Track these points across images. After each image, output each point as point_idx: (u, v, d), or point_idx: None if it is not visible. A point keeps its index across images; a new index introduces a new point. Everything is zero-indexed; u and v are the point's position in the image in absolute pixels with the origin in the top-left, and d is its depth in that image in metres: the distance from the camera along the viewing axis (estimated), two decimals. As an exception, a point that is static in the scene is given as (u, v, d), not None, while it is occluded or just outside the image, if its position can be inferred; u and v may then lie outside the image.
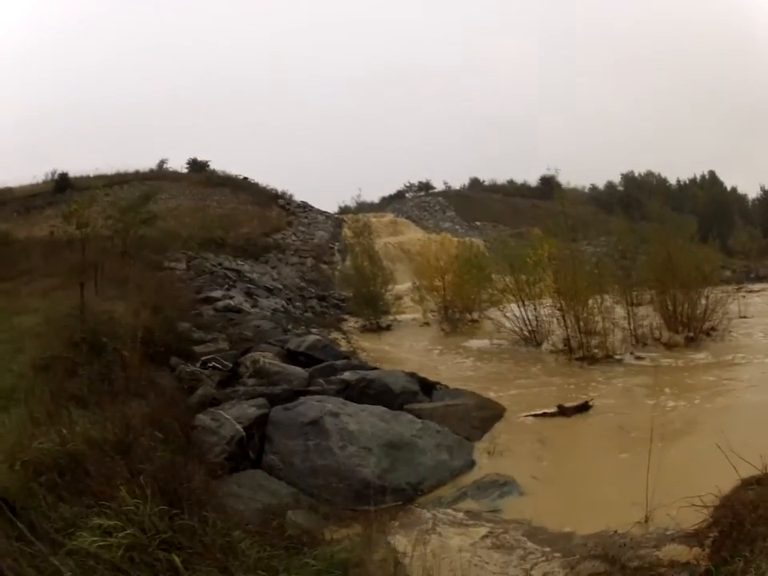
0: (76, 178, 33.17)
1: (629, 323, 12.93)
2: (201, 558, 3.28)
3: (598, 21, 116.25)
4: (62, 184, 31.77)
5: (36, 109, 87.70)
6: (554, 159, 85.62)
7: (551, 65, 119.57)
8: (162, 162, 41.57)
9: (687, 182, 51.10)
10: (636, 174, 54.14)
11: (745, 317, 14.68)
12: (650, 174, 54.10)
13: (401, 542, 4.47)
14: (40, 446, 4.25)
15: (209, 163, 42.38)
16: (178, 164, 42.29)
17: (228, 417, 6.25)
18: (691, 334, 12.71)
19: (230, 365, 9.30)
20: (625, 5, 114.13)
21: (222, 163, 49.57)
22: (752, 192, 50.65)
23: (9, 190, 31.05)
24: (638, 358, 11.69)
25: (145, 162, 40.72)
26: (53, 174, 34.48)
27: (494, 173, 65.93)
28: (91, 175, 34.64)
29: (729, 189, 50.28)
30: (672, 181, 52.11)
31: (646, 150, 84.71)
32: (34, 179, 34.57)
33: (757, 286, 22.95)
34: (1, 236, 19.84)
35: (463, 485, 5.89)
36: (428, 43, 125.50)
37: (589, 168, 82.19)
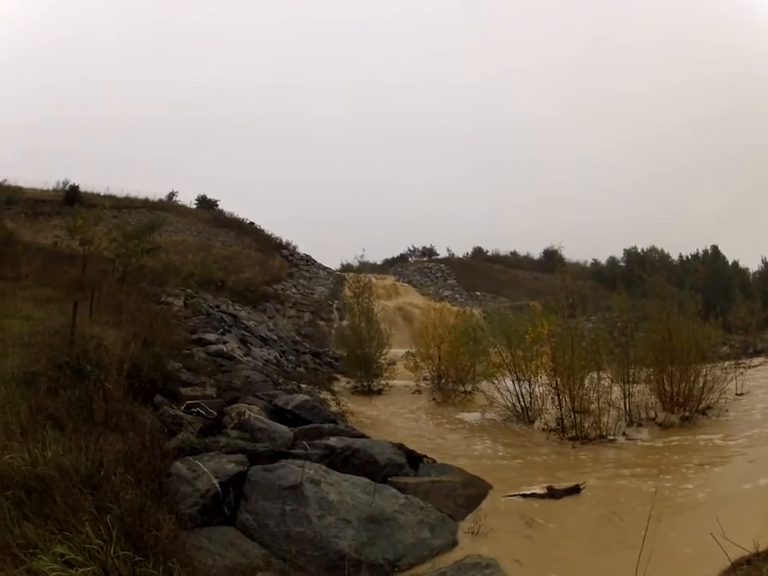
0: (86, 193, 33.94)
1: (624, 403, 13.03)
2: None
3: (601, 92, 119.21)
4: (72, 196, 32.49)
5: (52, 113, 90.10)
6: (558, 232, 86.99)
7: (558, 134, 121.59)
8: (172, 194, 42.67)
9: (689, 257, 52.63)
10: (639, 250, 55.65)
11: (741, 394, 14.71)
12: (652, 249, 56.04)
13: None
14: (10, 461, 4.26)
15: (217, 203, 43.29)
16: (186, 198, 43.31)
17: (206, 469, 6.15)
18: (687, 414, 12.75)
19: (215, 413, 9.20)
20: (629, 77, 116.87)
21: (228, 202, 50.51)
22: (753, 265, 52.08)
23: (19, 190, 31.66)
24: (632, 438, 11.77)
25: (151, 189, 41.66)
26: (64, 184, 35.45)
27: (498, 243, 67.32)
28: (101, 194, 35.52)
29: (731, 263, 51.45)
30: (674, 256, 53.90)
31: (649, 223, 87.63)
32: (44, 184, 35.39)
33: (755, 361, 22.89)
34: (6, 235, 19.98)
35: (443, 565, 5.76)
36: (446, 102, 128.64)
37: (592, 242, 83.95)
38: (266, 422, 9.36)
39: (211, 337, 17.48)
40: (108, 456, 4.98)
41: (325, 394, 16.07)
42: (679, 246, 53.43)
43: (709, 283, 41.08)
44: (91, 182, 36.30)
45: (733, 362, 16.44)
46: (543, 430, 12.84)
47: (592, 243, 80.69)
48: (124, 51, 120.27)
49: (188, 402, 9.22)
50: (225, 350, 16.43)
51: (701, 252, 52.92)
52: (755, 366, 21.35)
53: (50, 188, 35.59)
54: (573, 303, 14.76)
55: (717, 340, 16.13)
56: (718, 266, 48.00)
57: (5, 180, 27.66)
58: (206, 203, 42.94)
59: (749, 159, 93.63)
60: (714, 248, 52.18)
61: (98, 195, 34.95)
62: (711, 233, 79.68)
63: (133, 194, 38.13)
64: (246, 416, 9.26)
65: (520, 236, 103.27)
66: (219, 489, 6.01)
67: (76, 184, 34.79)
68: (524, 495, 7.98)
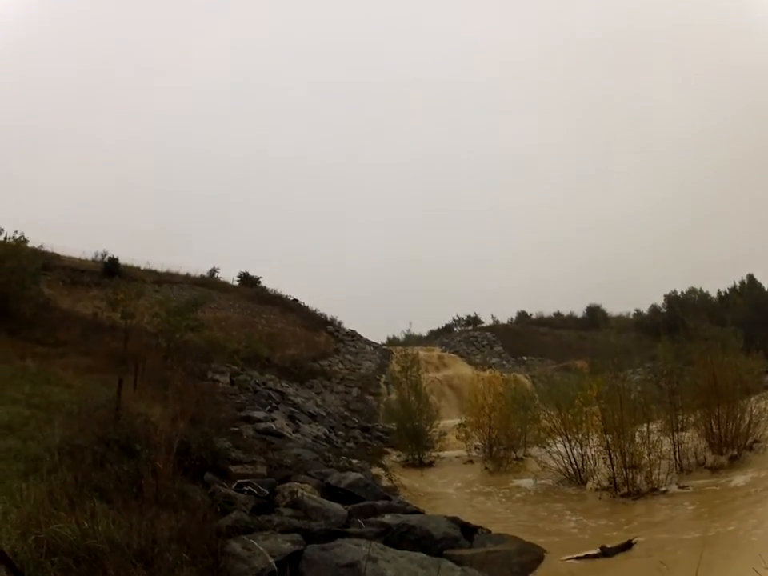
0: (125, 266, 34.84)
1: (673, 452, 13.18)
2: None
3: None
4: (111, 268, 33.35)
5: (88, 185, 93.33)
6: (598, 285, 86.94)
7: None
8: (214, 271, 43.56)
9: (727, 291, 51.86)
10: (678, 293, 55.15)
11: None
12: (692, 290, 55.49)
13: None
14: (58, 530, 4.22)
15: (260, 279, 43.91)
16: (228, 274, 44.15)
17: (261, 548, 6.09)
18: (735, 453, 12.88)
19: (267, 492, 9.15)
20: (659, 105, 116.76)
21: (270, 279, 51.40)
22: None
23: (56, 257, 32.25)
24: (683, 486, 11.93)
25: (192, 265, 42.37)
26: (102, 255, 36.23)
27: (543, 304, 66.96)
28: (141, 267, 36.21)
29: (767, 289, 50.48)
30: (713, 293, 53.33)
31: (686, 261, 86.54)
32: (82, 254, 36.17)
33: None
34: (44, 301, 20.32)
35: None
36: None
37: (633, 292, 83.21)
38: (320, 500, 9.36)
39: (259, 414, 17.53)
40: (161, 532, 4.94)
41: (376, 470, 16.18)
42: (717, 279, 53.22)
43: (748, 314, 40.75)
44: (129, 255, 37.16)
45: None
46: (596, 489, 12.90)
47: (633, 293, 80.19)
48: (160, 120, 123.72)
49: (239, 481, 9.20)
50: (274, 427, 16.47)
51: (737, 284, 52.48)
52: None
53: (89, 258, 36.45)
54: (618, 359, 14.75)
55: (760, 370, 16.09)
56: (755, 295, 47.29)
57: (41, 245, 28.42)
58: (248, 280, 43.66)
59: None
60: (750, 277, 51.65)
61: (138, 269, 35.82)
62: (746, 261, 78.40)
63: (174, 269, 38.96)
64: (299, 495, 9.24)
65: (563, 297, 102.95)
66: (275, 567, 5.93)
67: (115, 256, 35.68)
68: (578, 558, 8.23)
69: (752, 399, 13.54)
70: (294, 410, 21.59)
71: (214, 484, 8.57)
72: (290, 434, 17.22)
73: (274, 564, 5.94)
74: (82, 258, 36.12)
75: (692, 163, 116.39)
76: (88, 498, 5.07)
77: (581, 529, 10.15)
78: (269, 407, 19.94)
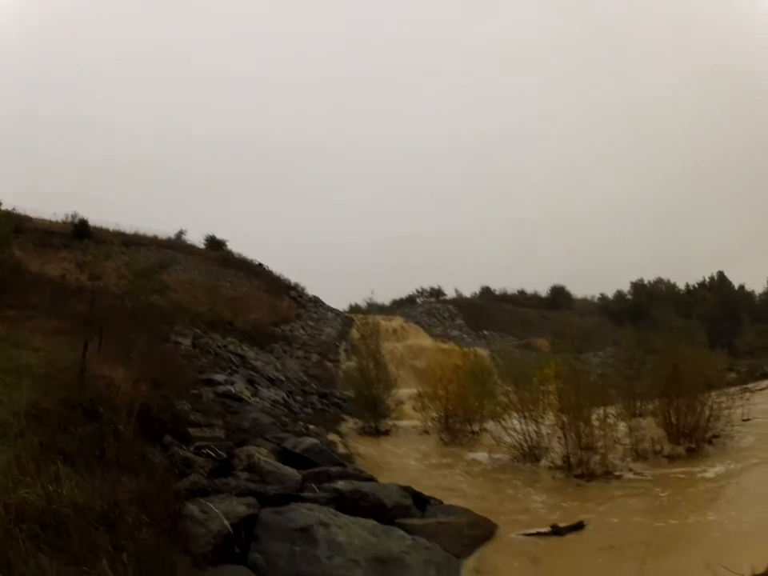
0: (95, 228, 34.27)
1: (630, 437, 13.12)
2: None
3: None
4: (81, 230, 32.78)
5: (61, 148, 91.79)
6: (565, 269, 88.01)
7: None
8: (181, 233, 42.91)
9: (696, 285, 52.49)
10: (645, 282, 55.91)
11: (748, 419, 14.62)
12: (659, 281, 56.70)
13: None
14: (25, 495, 4.33)
15: (226, 243, 43.54)
16: (195, 237, 43.61)
17: (217, 511, 6.24)
18: (693, 445, 12.85)
19: (224, 455, 9.30)
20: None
21: (237, 243, 50.83)
22: (759, 287, 53.04)
23: (27, 219, 31.70)
24: (638, 473, 11.81)
25: (160, 226, 41.91)
26: (73, 216, 35.54)
27: (506, 280, 67.30)
28: (110, 229, 35.74)
29: (737, 287, 51.48)
30: (681, 285, 54.13)
31: (661, 257, 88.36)
32: (53, 216, 35.70)
33: (762, 383, 22.65)
34: (14, 264, 20.10)
35: None
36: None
37: (600, 277, 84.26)
38: (275, 464, 9.50)
39: (219, 377, 17.61)
40: (122, 495, 5.05)
41: (332, 436, 16.22)
42: (689, 277, 53.98)
43: (716, 310, 41.24)
44: (101, 218, 36.62)
45: (739, 388, 16.67)
46: (550, 468, 12.91)
47: (600, 278, 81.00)
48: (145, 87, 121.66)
49: (197, 444, 9.35)
50: (233, 390, 16.55)
51: (707, 280, 53.10)
52: (762, 389, 21.18)
53: (59, 220, 35.86)
54: (579, 342, 14.80)
55: (723, 367, 16.32)
56: (724, 293, 48.04)
57: (14, 208, 27.93)
58: (214, 243, 43.19)
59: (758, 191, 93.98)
60: (720, 274, 52.08)
61: (107, 231, 35.25)
62: (723, 265, 79.85)
63: (142, 231, 38.44)
64: (256, 459, 9.37)
65: (529, 276, 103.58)
66: (231, 530, 6.09)
67: (85, 218, 35.10)
68: (529, 534, 8.16)
69: (713, 394, 13.48)
70: (253, 373, 21.60)
71: (173, 447, 8.67)
72: (248, 397, 17.28)
73: (229, 527, 6.08)
74: (53, 220, 35.64)
75: (682, 157, 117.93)
76: (53, 462, 5.13)
77: (534, 506, 10.18)
78: (229, 371, 19.98)
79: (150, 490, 5.78)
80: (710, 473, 10.90)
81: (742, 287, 51.83)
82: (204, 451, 9.09)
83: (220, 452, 9.30)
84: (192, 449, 9.02)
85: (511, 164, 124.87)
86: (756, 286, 53.44)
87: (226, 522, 6.11)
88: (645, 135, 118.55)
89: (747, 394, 16.36)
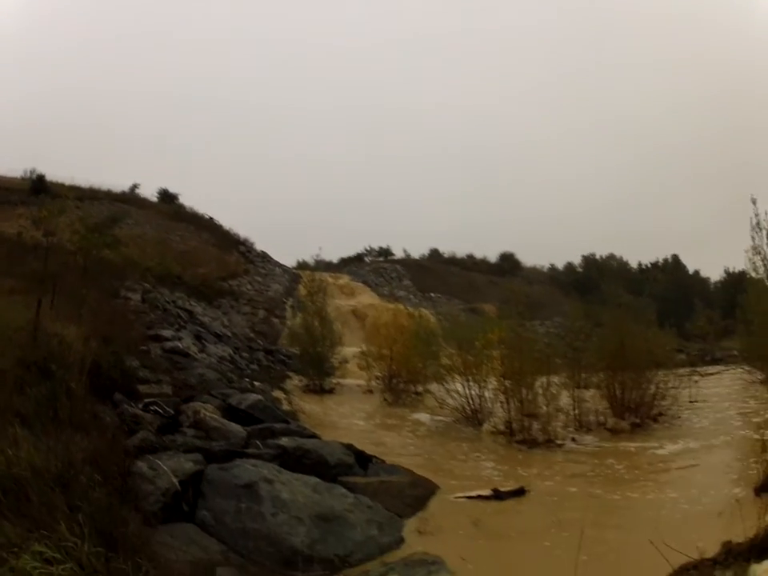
0: (52, 183, 33.43)
1: (573, 408, 13.32)
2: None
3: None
4: (38, 186, 32.14)
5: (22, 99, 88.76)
6: (516, 234, 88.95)
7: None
8: (134, 187, 42.27)
9: (649, 265, 53.95)
10: (597, 257, 57.09)
11: (695, 401, 15.02)
12: (611, 257, 57.92)
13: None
14: None
15: (178, 196, 43.09)
16: (148, 190, 42.97)
17: (165, 468, 6.41)
18: (637, 420, 13.03)
19: (172, 411, 9.48)
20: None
21: (188, 195, 50.33)
22: (715, 274, 53.53)
23: None
24: (580, 443, 11.98)
25: (115, 180, 41.08)
26: (31, 172, 34.82)
27: (456, 244, 67.55)
28: (66, 184, 34.91)
29: (692, 272, 53.17)
30: (633, 264, 55.40)
31: (617, 236, 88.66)
32: (10, 171, 34.84)
33: (712, 369, 23.34)
34: (-29, 222, 19.75)
35: (391, 561, 6.02)
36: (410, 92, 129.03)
37: (553, 248, 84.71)
38: (221, 421, 9.62)
39: (167, 333, 17.66)
40: (76, 455, 5.19)
41: (277, 393, 16.41)
42: (644, 258, 54.59)
43: (668, 292, 42.25)
44: (62, 173, 35.83)
45: (689, 370, 17.09)
46: (492, 432, 13.02)
47: (553, 249, 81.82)
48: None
49: (146, 401, 9.46)
50: (180, 346, 16.65)
51: (660, 261, 54.22)
52: (712, 373, 21.82)
53: (18, 176, 35.16)
54: (525, 309, 14.80)
55: (672, 347, 16.62)
56: (678, 276, 48.97)
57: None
58: (167, 197, 42.71)
59: (724, 178, 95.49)
60: (675, 257, 53.46)
61: (63, 186, 34.47)
62: (680, 249, 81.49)
63: (97, 184, 37.77)
64: (202, 415, 9.51)
65: (479, 239, 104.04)
66: (179, 487, 6.28)
67: (43, 173, 34.46)
68: (470, 497, 8.27)
69: (660, 373, 13.68)
70: (201, 329, 21.63)
71: (123, 404, 8.78)
72: (195, 353, 17.40)
73: (177, 483, 6.26)
74: (12, 176, 34.89)
75: (650, 138, 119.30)
76: (11, 424, 5.23)
77: (476, 469, 10.24)
78: (177, 326, 20.05)
79: (102, 448, 5.91)
80: (665, 450, 10.92)
81: (696, 272, 53.14)
82: (152, 408, 9.22)
83: (168, 408, 9.44)
84: (141, 406, 9.13)
85: (478, 138, 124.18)
86: (712, 274, 54.17)
87: (174, 479, 6.28)
88: (621, 117, 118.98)
89: (696, 377, 17.04)
